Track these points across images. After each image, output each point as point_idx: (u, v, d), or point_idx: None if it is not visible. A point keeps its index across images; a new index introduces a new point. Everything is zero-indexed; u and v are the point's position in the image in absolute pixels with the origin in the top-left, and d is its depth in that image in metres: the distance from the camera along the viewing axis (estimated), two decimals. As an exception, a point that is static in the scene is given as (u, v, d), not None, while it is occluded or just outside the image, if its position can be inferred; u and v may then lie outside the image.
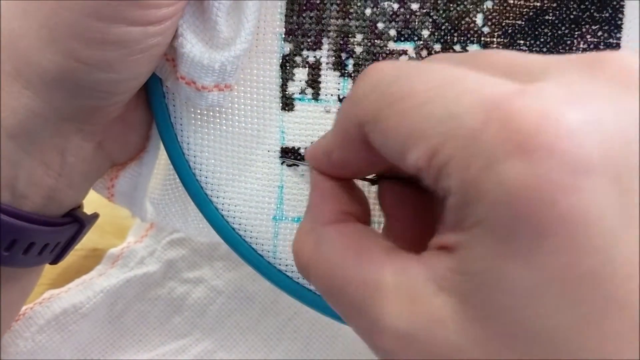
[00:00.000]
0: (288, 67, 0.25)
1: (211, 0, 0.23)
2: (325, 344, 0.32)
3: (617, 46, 0.24)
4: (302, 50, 0.25)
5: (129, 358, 0.31)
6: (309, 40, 0.25)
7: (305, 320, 0.33)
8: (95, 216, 0.28)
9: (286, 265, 0.26)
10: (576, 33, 0.24)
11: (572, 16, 0.24)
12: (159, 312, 0.32)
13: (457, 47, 0.24)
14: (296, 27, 0.25)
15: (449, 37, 0.24)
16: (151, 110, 0.26)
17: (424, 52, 0.25)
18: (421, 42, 0.25)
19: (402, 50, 0.25)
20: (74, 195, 0.26)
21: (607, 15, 0.24)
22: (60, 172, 0.24)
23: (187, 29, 0.23)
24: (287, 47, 0.25)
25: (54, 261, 0.27)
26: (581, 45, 0.24)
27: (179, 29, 0.23)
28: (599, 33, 0.24)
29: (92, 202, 0.28)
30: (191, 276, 0.33)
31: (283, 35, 0.25)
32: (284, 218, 0.26)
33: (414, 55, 0.25)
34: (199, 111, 0.26)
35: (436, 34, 0.24)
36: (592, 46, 0.24)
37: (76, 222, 0.26)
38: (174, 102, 0.26)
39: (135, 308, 0.32)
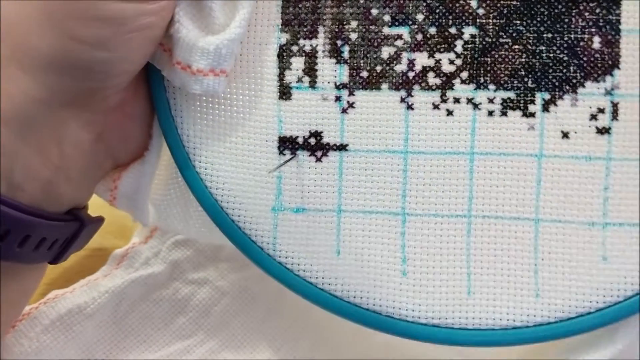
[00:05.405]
0: (285, 57, 0.25)
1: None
2: (331, 344, 0.32)
3: (617, 22, 0.24)
4: (298, 39, 0.25)
5: (134, 359, 0.31)
6: (305, 29, 0.25)
7: (310, 321, 0.32)
8: (100, 220, 0.28)
9: (286, 258, 0.26)
10: (574, 11, 0.24)
11: (568, -5, 0.24)
12: (164, 313, 0.32)
13: (453, 30, 0.24)
14: (292, 17, 0.25)
15: (443, 20, 0.24)
16: (151, 103, 0.26)
17: (419, 36, 0.24)
18: (416, 26, 0.24)
19: (397, 34, 0.25)
20: (72, 191, 0.25)
21: (604, -8, 0.24)
22: (58, 164, 0.24)
23: (184, 16, 0.24)
24: (284, 37, 0.25)
25: (54, 261, 0.26)
26: (580, 23, 0.24)
27: (175, 16, 0.23)
28: (597, 10, 0.24)
29: (91, 202, 0.27)
30: (196, 277, 0.33)
31: (280, 26, 0.25)
32: (283, 209, 0.26)
33: (409, 40, 0.24)
34: (198, 103, 0.26)
35: (430, 17, 0.24)
36: (590, 23, 0.24)
37: (76, 221, 0.26)
38: (174, 95, 0.26)
39: (140, 309, 0.32)
